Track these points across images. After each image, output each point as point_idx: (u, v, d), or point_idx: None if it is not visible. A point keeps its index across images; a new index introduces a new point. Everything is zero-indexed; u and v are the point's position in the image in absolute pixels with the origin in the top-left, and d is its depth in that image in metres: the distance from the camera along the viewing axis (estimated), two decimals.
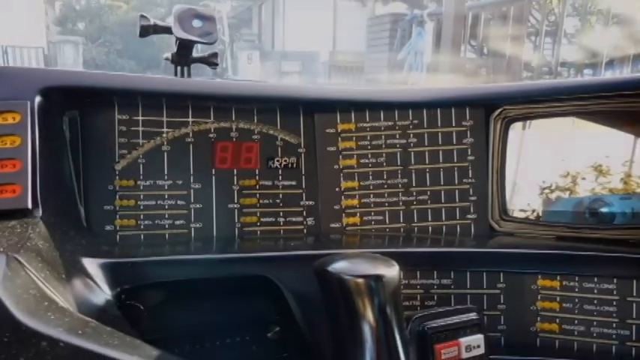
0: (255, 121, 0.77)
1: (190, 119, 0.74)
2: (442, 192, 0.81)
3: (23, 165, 0.57)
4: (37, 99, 0.62)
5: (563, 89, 0.77)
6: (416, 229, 0.80)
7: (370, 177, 0.80)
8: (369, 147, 0.80)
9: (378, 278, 0.51)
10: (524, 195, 0.81)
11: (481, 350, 0.57)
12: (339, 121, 0.80)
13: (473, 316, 0.58)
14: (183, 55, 0.83)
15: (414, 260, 0.71)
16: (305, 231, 0.78)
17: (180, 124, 0.73)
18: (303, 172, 0.79)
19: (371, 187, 0.80)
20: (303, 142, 0.79)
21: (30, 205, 0.56)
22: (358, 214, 0.80)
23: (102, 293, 0.57)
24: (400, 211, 0.80)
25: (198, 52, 0.88)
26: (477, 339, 0.57)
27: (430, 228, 0.80)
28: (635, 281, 0.68)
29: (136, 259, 0.62)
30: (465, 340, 0.56)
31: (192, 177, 0.73)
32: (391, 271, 0.52)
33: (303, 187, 0.78)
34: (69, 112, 0.68)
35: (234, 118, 0.76)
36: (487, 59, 5.35)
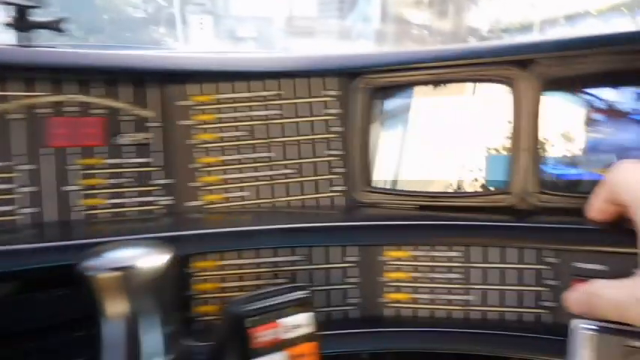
0: (99, 93, 0.71)
1: (21, 93, 0.67)
2: (307, 165, 0.77)
3: None
4: None
5: (420, 57, 0.73)
6: (281, 204, 0.77)
7: (231, 152, 0.76)
8: (227, 120, 0.75)
9: (124, 270, 0.47)
10: (391, 165, 0.78)
11: (308, 329, 0.55)
12: (193, 92, 0.75)
13: (299, 295, 0.55)
14: (21, 20, 0.76)
15: (264, 237, 0.68)
16: (162, 211, 0.73)
17: (8, 98, 0.67)
18: (157, 149, 0.73)
19: (232, 163, 0.76)
20: (156, 115, 0.73)
21: None
22: (219, 192, 0.75)
23: None
24: (264, 186, 0.76)
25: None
26: (300, 318, 0.54)
27: (296, 202, 0.77)
28: (480, 248, 0.67)
29: None
30: (284, 321, 0.53)
31: (20, 158, 0.67)
32: (146, 261, 0.48)
33: (157, 164, 0.73)
34: None
35: (73, 91, 0.69)
36: (436, 23, 5.33)
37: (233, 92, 0.75)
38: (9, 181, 0.66)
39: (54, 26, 0.78)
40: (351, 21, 5.79)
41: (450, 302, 0.68)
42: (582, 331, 0.52)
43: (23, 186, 0.67)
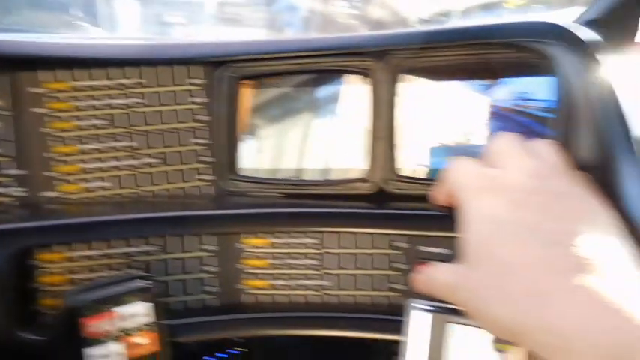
0: None
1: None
2: (173, 154, 0.76)
3: None
4: None
5: (284, 47, 0.74)
6: (146, 194, 0.75)
7: (89, 141, 0.74)
8: (85, 108, 0.73)
9: None
10: (260, 154, 0.79)
11: (147, 319, 0.55)
12: (46, 79, 0.72)
13: (137, 284, 0.55)
14: None
15: (113, 228, 0.67)
16: (15, 203, 0.71)
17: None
18: (8, 138, 0.70)
19: (91, 152, 0.74)
20: (7, 103, 0.70)
21: None
22: (77, 182, 0.73)
23: None
24: (127, 176, 0.75)
25: None
26: (138, 307, 0.54)
27: (162, 192, 0.76)
28: (335, 235, 0.69)
29: None
30: (121, 310, 0.53)
31: None
32: None
33: (8, 154, 0.70)
34: None
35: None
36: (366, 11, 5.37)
37: (90, 80, 0.73)
38: None
39: None
40: (278, 9, 5.77)
41: (306, 287, 0.69)
42: (414, 310, 0.55)
43: None
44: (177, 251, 0.67)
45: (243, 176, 0.77)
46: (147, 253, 0.67)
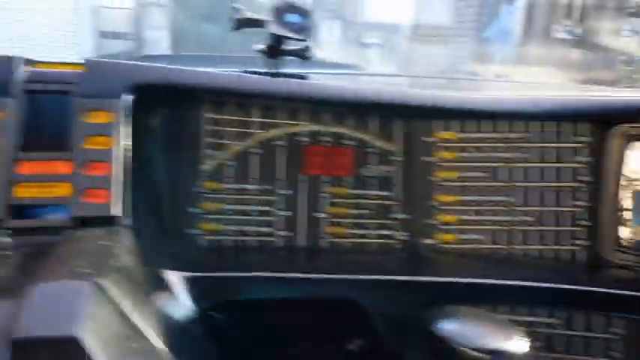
0: (350, 125, 0.72)
1: (281, 121, 0.70)
2: (549, 214, 0.73)
3: (113, 168, 0.56)
4: (128, 96, 0.60)
5: None
6: (518, 252, 0.73)
7: (470, 192, 0.74)
8: (470, 159, 0.74)
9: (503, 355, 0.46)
10: None
11: None
12: (438, 129, 0.74)
13: None
14: (275, 49, 0.79)
15: (521, 295, 0.65)
16: (397, 247, 0.73)
17: (271, 126, 0.70)
18: (398, 183, 0.73)
19: (470, 203, 0.74)
20: (399, 149, 0.73)
21: (118, 213, 0.54)
22: (455, 232, 0.74)
23: (186, 309, 0.56)
24: (501, 231, 0.74)
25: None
26: None
27: (533, 253, 0.73)
28: None
29: (222, 273, 0.59)
30: None
31: (280, 182, 0.70)
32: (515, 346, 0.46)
33: (397, 198, 0.73)
34: (157, 110, 0.66)
35: (327, 121, 0.71)
36: (580, 46, 4.96)
37: (478, 131, 0.73)
38: (270, 203, 0.69)
39: (301, 54, 0.80)
40: (490, 34, 5.59)
41: None
42: None
43: (281, 210, 0.69)
44: (588, 330, 0.63)
45: (628, 247, 0.71)
46: (557, 326, 0.64)
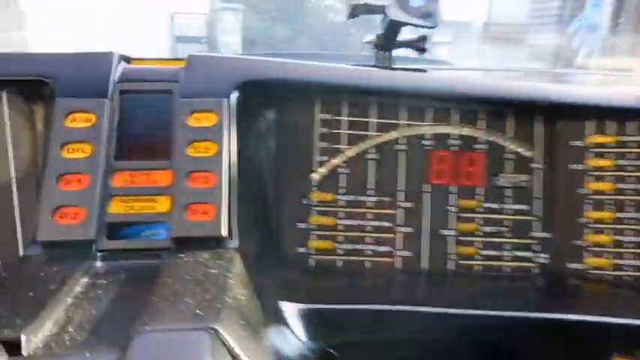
0: (482, 126, 0.60)
1: (403, 121, 0.60)
2: None
3: (218, 180, 0.47)
4: (234, 95, 0.52)
5: None
6: None
7: (629, 207, 0.60)
8: (630, 168, 0.60)
9: None
10: None
11: None
12: (589, 131, 0.61)
13: None
14: (390, 39, 0.69)
15: None
16: (534, 271, 0.61)
17: (391, 127, 0.60)
18: (537, 195, 0.61)
19: (628, 221, 0.60)
20: (539, 155, 0.61)
21: (224, 233, 0.46)
22: (609, 255, 0.61)
23: (301, 346, 0.46)
24: None
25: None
26: None
27: None
28: None
29: (338, 306, 0.49)
30: None
31: (401, 193, 0.60)
32: None
33: (536, 213, 0.61)
34: (265, 111, 0.57)
35: (456, 122, 0.60)
36: None
37: None
38: (389, 218, 0.59)
39: (417, 45, 0.70)
40: (574, 30, 5.23)
41: None
42: None
43: (401, 226, 0.59)
44: None
45: None
46: None
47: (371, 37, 0.72)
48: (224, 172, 0.47)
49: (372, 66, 0.68)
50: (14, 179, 0.51)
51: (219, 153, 0.48)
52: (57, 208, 0.45)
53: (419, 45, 0.70)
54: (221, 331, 0.32)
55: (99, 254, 0.44)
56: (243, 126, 0.52)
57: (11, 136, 0.52)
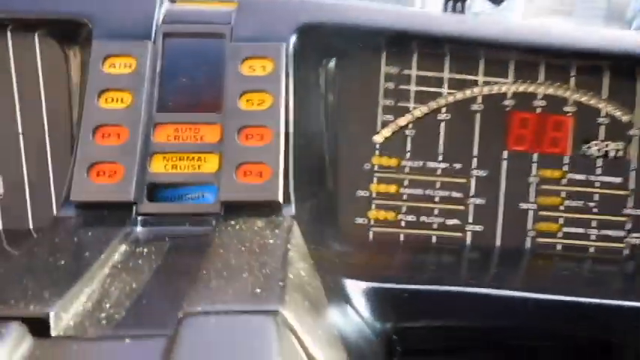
0: (571, 85, 0.52)
1: (481, 77, 0.52)
2: None
3: (274, 136, 0.41)
4: (292, 40, 0.45)
5: None
6: None
7: None
8: None
9: None
10: None
11: None
12: None
13: None
14: None
15: None
16: (625, 252, 0.53)
17: (466, 84, 0.52)
18: (634, 166, 0.53)
19: None
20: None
21: (280, 198, 0.39)
22: None
23: (367, 330, 0.40)
24: None
25: None
26: None
27: None
28: None
29: (410, 286, 0.43)
30: None
31: (475, 160, 0.52)
32: None
33: (631, 187, 0.53)
34: (324, 61, 0.50)
35: (541, 79, 0.52)
36: None
37: None
38: (460, 188, 0.52)
39: None
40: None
41: None
42: None
43: (474, 197, 0.52)
44: None
45: None
46: None
47: None
48: (281, 127, 0.41)
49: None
50: (47, 131, 0.46)
51: (276, 106, 0.41)
52: (92, 165, 0.39)
53: None
54: (286, 315, 0.26)
55: (139, 218, 0.38)
56: (300, 76, 0.45)
57: (44, 84, 0.46)
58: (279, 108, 0.41)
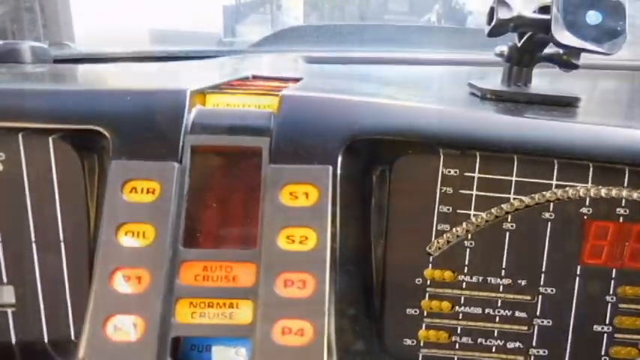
0: None
1: (554, 182, 0.45)
2: None
3: (319, 282, 0.35)
4: (340, 159, 0.39)
5: None
6: None
7: None
8: None
9: None
10: None
11: None
12: None
13: None
14: (532, 53, 0.53)
15: None
16: None
17: (537, 188, 0.45)
18: None
19: None
20: None
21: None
22: None
23: None
24: None
25: None
26: None
27: None
28: None
29: None
30: None
31: (543, 275, 0.46)
32: None
33: None
34: (375, 171, 0.44)
35: (624, 183, 0.45)
36: None
37: None
38: (525, 307, 0.45)
39: (566, 60, 0.53)
40: None
41: None
42: None
43: (538, 317, 0.45)
44: None
45: None
46: None
47: (502, 48, 0.56)
48: (326, 272, 0.35)
49: (504, 95, 0.53)
50: (64, 248, 0.41)
51: (321, 246, 0.35)
52: (108, 317, 0.34)
53: (569, 60, 0.53)
54: None
55: None
56: (346, 195, 0.39)
57: (59, 193, 0.41)
58: (326, 249, 0.35)
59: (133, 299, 0.34)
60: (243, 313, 0.35)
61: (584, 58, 0.50)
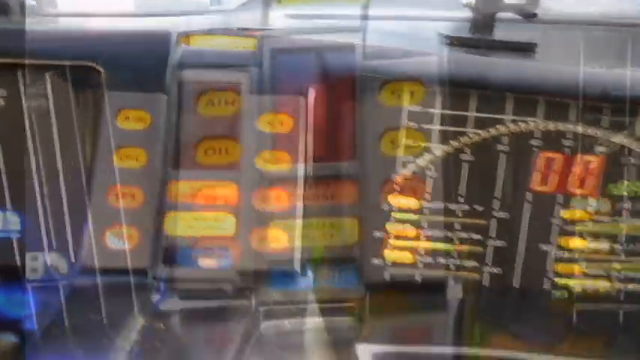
0: (604, 124, 0.50)
1: (509, 116, 0.50)
2: None
3: (292, 199, 0.40)
4: (312, 92, 0.43)
5: None
6: None
7: None
8: None
9: None
10: None
11: None
12: None
13: None
14: (491, 3, 0.57)
15: None
16: None
17: (492, 122, 0.50)
18: None
19: None
20: None
21: (298, 267, 0.39)
22: None
23: None
24: None
25: None
26: None
27: None
28: None
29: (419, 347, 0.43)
30: None
31: (497, 201, 0.51)
32: None
33: None
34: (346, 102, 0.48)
35: (573, 117, 0.50)
36: None
37: None
38: (480, 229, 0.51)
39: (527, 8, 0.57)
40: None
41: None
42: None
43: (494, 238, 0.51)
44: None
45: None
46: None
47: None
48: (299, 188, 0.40)
49: (471, 40, 0.57)
50: (62, 179, 0.46)
51: (294, 165, 0.40)
52: (107, 228, 0.39)
53: (529, 9, 0.58)
54: None
55: (155, 284, 0.38)
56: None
57: (57, 127, 0.45)
58: (298, 167, 0.40)
59: (129, 213, 0.39)
60: (226, 226, 0.40)
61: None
